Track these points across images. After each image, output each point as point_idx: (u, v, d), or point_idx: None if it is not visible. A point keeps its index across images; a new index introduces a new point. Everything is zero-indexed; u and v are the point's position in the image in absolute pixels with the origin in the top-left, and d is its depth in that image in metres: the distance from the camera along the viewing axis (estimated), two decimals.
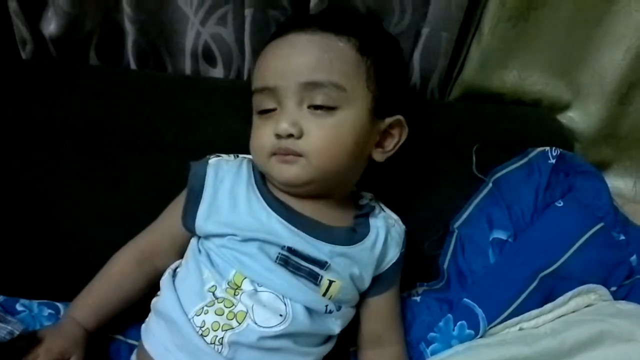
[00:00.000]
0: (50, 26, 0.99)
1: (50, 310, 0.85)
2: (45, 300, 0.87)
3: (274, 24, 0.99)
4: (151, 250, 0.84)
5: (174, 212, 0.84)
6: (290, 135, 0.75)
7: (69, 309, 0.82)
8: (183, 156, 0.94)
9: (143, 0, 0.98)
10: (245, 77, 1.06)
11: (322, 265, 0.77)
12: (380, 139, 0.83)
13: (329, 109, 0.76)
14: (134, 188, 0.96)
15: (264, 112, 0.79)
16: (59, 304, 0.87)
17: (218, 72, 1.07)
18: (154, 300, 0.80)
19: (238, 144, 0.89)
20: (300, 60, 0.77)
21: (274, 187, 0.82)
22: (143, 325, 0.79)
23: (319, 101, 0.76)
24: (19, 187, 0.93)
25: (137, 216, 0.92)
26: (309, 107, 0.76)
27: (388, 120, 0.82)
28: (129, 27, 1.01)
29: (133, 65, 1.06)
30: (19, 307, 0.84)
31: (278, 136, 0.76)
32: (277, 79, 0.77)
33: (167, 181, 0.95)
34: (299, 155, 0.76)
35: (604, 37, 1.09)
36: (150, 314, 0.80)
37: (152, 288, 0.83)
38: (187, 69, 1.08)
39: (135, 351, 0.80)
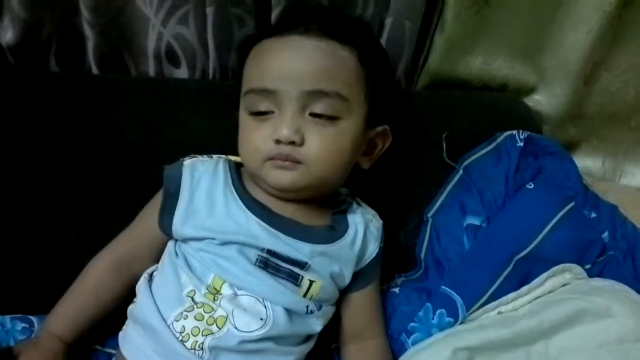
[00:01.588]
0: (7, 34, 0.97)
1: (23, 324, 0.83)
2: (18, 315, 0.85)
3: (236, 22, 0.98)
4: (128, 256, 0.82)
5: (149, 215, 0.83)
6: (291, 142, 0.74)
7: (45, 322, 0.80)
8: (151, 159, 0.93)
9: (101, 3, 0.96)
10: (210, 77, 1.05)
11: (302, 265, 0.77)
12: (366, 146, 0.84)
13: (330, 118, 0.75)
14: (102, 193, 0.94)
15: (259, 113, 0.77)
16: (32, 318, 0.85)
17: (182, 73, 1.06)
18: (130, 307, 0.79)
19: (207, 144, 0.89)
20: (307, 68, 0.75)
21: (252, 187, 0.81)
22: (120, 333, 0.78)
23: (322, 110, 0.75)
24: None
25: (107, 221, 0.90)
26: (311, 114, 0.75)
27: (376, 129, 0.83)
28: (88, 31, 0.99)
29: (95, 70, 1.04)
30: None
31: (278, 141, 0.74)
32: (280, 82, 0.75)
33: (136, 185, 0.93)
34: (299, 162, 0.75)
35: (565, 19, 1.11)
36: (127, 321, 0.78)
37: (130, 294, 0.81)
38: (151, 70, 1.06)
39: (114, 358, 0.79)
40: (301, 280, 0.77)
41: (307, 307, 0.77)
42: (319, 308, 0.80)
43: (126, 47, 1.04)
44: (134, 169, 0.95)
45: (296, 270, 0.77)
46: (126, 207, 0.89)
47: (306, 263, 0.77)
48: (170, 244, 0.81)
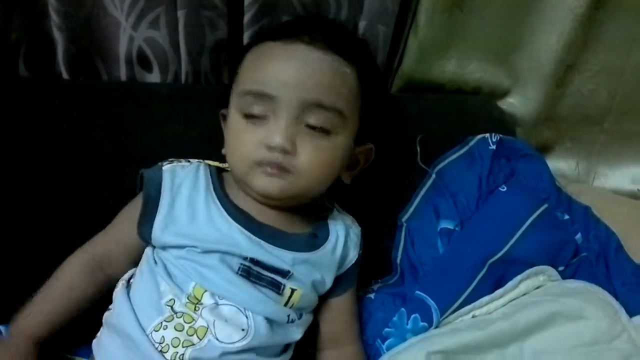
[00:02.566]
0: None
1: None
2: None
3: (208, 25, 0.97)
4: (103, 258, 0.81)
5: (126, 220, 0.81)
6: (284, 151, 0.73)
7: (13, 324, 0.77)
8: (124, 165, 0.92)
9: (71, 7, 0.95)
10: (182, 81, 1.04)
11: (285, 274, 0.76)
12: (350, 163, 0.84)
13: (325, 131, 0.75)
14: (73, 201, 0.93)
15: (253, 116, 0.76)
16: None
17: (155, 77, 1.05)
18: (106, 314, 0.77)
19: (181, 149, 0.88)
20: (310, 79, 0.75)
21: (234, 193, 0.80)
22: (94, 341, 0.76)
23: (319, 122, 0.75)
24: None
25: (78, 229, 0.88)
26: (307, 125, 0.75)
27: (361, 147, 0.84)
28: (57, 35, 0.97)
29: (65, 75, 1.02)
30: None
31: (270, 148, 0.74)
32: (281, 89, 0.74)
33: (108, 192, 0.92)
34: (288, 171, 0.74)
35: (537, 22, 1.12)
36: (101, 329, 0.77)
37: (103, 299, 0.80)
38: (123, 75, 1.05)
39: None
40: (283, 288, 0.76)
41: (289, 316, 0.77)
42: (299, 317, 0.79)
43: (97, 52, 1.02)
44: (104, 174, 0.94)
45: (278, 278, 0.76)
46: (98, 215, 0.88)
47: (288, 271, 0.76)
48: (149, 250, 0.79)
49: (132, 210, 0.81)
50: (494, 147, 1.02)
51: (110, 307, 0.78)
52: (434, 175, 1.02)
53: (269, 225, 0.79)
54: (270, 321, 0.74)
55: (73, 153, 0.94)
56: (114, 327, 0.73)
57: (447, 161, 1.03)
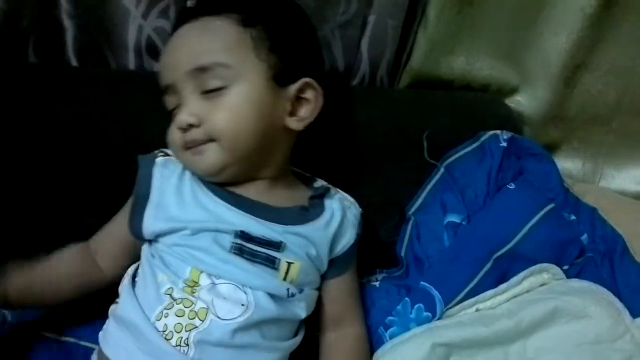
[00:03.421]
0: None
1: None
2: None
3: None
4: (97, 248, 0.83)
5: (122, 216, 0.82)
6: (191, 126, 0.75)
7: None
8: (130, 154, 0.90)
9: None
10: None
11: (277, 246, 0.76)
12: (293, 107, 0.81)
13: (220, 89, 0.75)
14: (81, 189, 0.93)
15: (173, 110, 0.79)
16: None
17: None
18: (112, 307, 0.78)
19: None
20: (183, 50, 0.77)
21: None
22: (100, 333, 0.77)
23: (209, 85, 0.75)
24: None
25: (85, 218, 0.90)
26: (202, 92, 0.76)
27: (294, 86, 0.80)
28: (67, 22, 0.98)
29: (74, 62, 1.03)
30: None
31: (182, 130, 0.76)
32: (169, 74, 0.78)
33: (115, 181, 0.92)
34: (206, 142, 0.76)
35: (547, 21, 1.12)
36: (107, 321, 0.77)
37: (110, 294, 0.80)
38: (131, 64, 1.05)
39: (94, 354, 0.78)
40: (278, 263, 0.76)
41: (288, 290, 0.77)
42: (300, 291, 0.79)
43: (106, 40, 1.03)
44: (112, 164, 0.94)
45: (272, 252, 0.76)
46: (105, 203, 0.88)
47: (281, 242, 0.76)
48: (146, 247, 0.80)
49: (126, 209, 0.82)
50: (505, 144, 1.02)
51: (117, 300, 0.78)
52: (442, 169, 1.02)
53: (257, 200, 0.80)
54: (270, 296, 0.74)
55: (81, 140, 0.94)
56: (121, 318, 0.74)
57: (457, 155, 1.03)
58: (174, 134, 0.78)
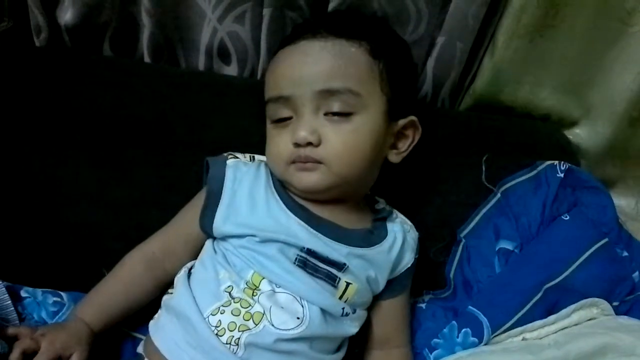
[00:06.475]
0: (67, 15, 0.99)
1: (55, 298, 0.84)
2: (49, 289, 0.85)
3: (290, 25, 0.99)
4: (163, 251, 0.83)
5: (190, 214, 0.84)
6: (309, 144, 0.75)
7: (75, 308, 0.80)
8: (194, 153, 0.94)
9: None
10: (259, 76, 1.06)
11: (340, 267, 0.77)
12: (394, 140, 0.84)
13: (345, 115, 0.76)
14: (142, 182, 0.95)
15: (280, 120, 0.79)
16: (62, 293, 0.85)
17: (232, 70, 1.07)
18: (165, 297, 0.79)
19: (250, 143, 0.90)
20: (315, 69, 0.77)
21: (293, 191, 0.82)
22: (152, 322, 0.78)
23: (335, 108, 0.76)
24: (28, 176, 0.92)
25: (144, 209, 0.93)
26: (326, 114, 0.76)
27: (402, 121, 0.83)
28: (146, 20, 1.01)
29: (147, 59, 1.05)
30: (23, 294, 0.82)
31: (297, 145, 0.76)
32: (293, 87, 0.77)
33: (176, 176, 0.95)
34: (319, 162, 0.76)
35: (616, 58, 1.10)
36: (160, 311, 0.79)
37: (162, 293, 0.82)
38: (201, 65, 1.08)
39: (141, 344, 0.79)
40: (338, 281, 0.77)
41: (343, 309, 0.78)
42: (354, 311, 0.80)
43: (179, 40, 1.06)
44: (175, 160, 0.96)
45: (334, 271, 0.77)
46: (165, 197, 0.91)
47: (344, 264, 0.77)
48: (209, 242, 0.82)
49: (196, 204, 0.83)
50: (562, 175, 1.01)
51: (170, 290, 0.80)
52: (498, 194, 1.02)
53: (327, 219, 0.80)
54: (324, 312, 0.75)
55: (147, 134, 0.96)
56: (173, 309, 0.75)
57: (514, 182, 1.02)
58: (286, 147, 0.77)
